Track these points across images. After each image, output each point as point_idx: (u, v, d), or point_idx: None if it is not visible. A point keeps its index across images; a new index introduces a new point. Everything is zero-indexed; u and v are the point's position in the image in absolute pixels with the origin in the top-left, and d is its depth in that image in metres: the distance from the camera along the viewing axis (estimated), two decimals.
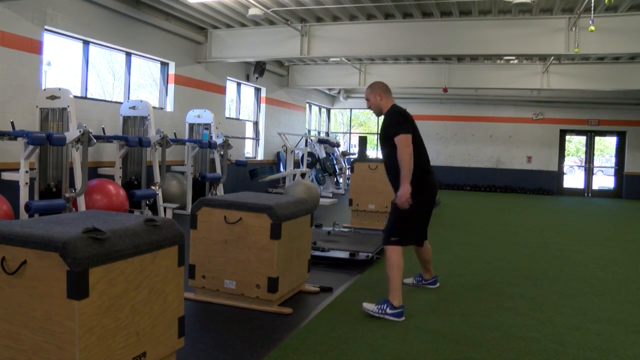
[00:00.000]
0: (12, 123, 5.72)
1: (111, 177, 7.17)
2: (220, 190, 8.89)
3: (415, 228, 4.01)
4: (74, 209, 5.84)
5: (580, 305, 4.15)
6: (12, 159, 6.13)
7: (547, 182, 16.27)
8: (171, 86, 9.77)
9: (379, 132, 4.03)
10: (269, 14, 8.65)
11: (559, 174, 16.49)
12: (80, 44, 7.84)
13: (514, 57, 11.63)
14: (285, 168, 12.09)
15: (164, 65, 9.72)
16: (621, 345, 3.26)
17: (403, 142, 3.70)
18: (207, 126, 9.32)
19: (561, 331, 3.48)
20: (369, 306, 3.66)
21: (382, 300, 3.64)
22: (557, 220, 10.16)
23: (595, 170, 16.66)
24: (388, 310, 3.58)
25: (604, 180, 16.83)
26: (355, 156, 16.26)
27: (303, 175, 11.56)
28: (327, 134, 18.39)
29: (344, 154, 14.97)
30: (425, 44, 8.94)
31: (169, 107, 9.74)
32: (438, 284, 4.48)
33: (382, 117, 4.10)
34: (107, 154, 7.75)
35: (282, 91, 14.22)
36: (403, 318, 3.58)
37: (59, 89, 6.20)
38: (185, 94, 10.01)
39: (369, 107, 4.12)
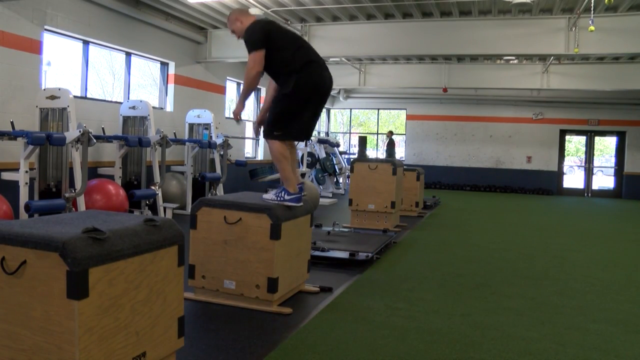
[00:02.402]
0: (12, 123, 5.72)
1: (111, 177, 7.17)
2: (220, 190, 8.89)
3: (300, 122, 3.84)
4: (73, 209, 5.84)
5: (580, 305, 4.15)
6: (12, 159, 6.13)
7: (547, 182, 16.27)
8: (171, 86, 9.77)
9: None
10: (269, 14, 8.65)
11: (559, 174, 16.49)
12: (80, 44, 7.84)
13: (513, 57, 11.64)
14: None
15: (164, 65, 9.72)
16: (621, 345, 3.26)
17: (250, 60, 3.67)
18: (207, 126, 9.32)
19: (561, 331, 3.48)
20: (268, 195, 3.82)
21: (280, 188, 3.81)
22: (557, 220, 10.16)
23: (595, 170, 16.67)
24: (286, 197, 3.75)
25: (604, 180, 16.84)
26: (350, 155, 16.29)
27: (303, 175, 11.56)
28: (327, 134, 18.39)
29: (340, 153, 14.89)
30: (425, 44, 8.94)
31: (169, 107, 9.74)
32: (302, 203, 3.95)
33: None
34: (107, 154, 7.75)
35: None
36: (301, 204, 3.82)
37: (59, 89, 6.20)
38: (185, 94, 10.01)
39: (238, 37, 4.03)
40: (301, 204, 3.83)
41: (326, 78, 3.93)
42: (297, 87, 3.69)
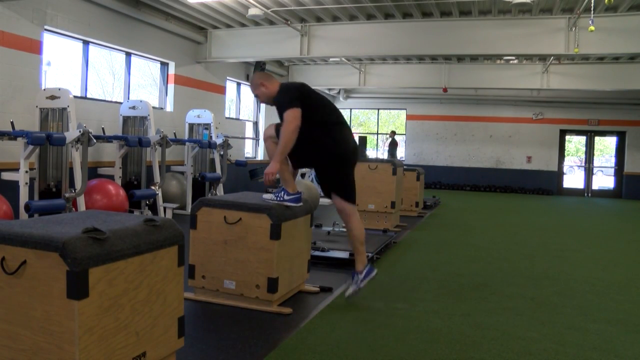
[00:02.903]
0: (12, 123, 5.72)
1: (111, 177, 7.18)
2: (220, 190, 8.89)
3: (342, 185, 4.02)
4: (73, 209, 5.84)
5: (580, 305, 4.15)
6: (12, 159, 6.13)
7: (547, 182, 16.27)
8: (171, 86, 9.77)
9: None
10: (268, 14, 8.65)
11: (559, 174, 16.49)
12: (80, 44, 7.84)
13: (513, 57, 11.64)
14: None
15: (164, 65, 9.72)
16: (621, 345, 3.26)
17: (287, 116, 3.66)
18: (207, 126, 9.32)
19: (561, 331, 3.48)
20: (268, 195, 3.89)
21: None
22: (557, 220, 10.16)
23: (595, 170, 16.67)
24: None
25: (604, 180, 16.84)
26: None
27: (303, 175, 11.55)
28: None
29: None
30: (425, 44, 8.94)
31: (169, 107, 9.74)
32: (301, 203, 3.97)
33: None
34: (107, 154, 7.75)
35: None
36: (301, 204, 3.89)
37: (59, 89, 6.20)
38: (185, 94, 10.01)
39: (262, 102, 4.14)
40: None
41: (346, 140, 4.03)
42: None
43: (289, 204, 3.81)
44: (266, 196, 3.87)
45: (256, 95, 4.01)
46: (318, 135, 3.82)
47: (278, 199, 3.80)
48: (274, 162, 3.69)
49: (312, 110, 3.78)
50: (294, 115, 3.65)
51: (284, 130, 3.64)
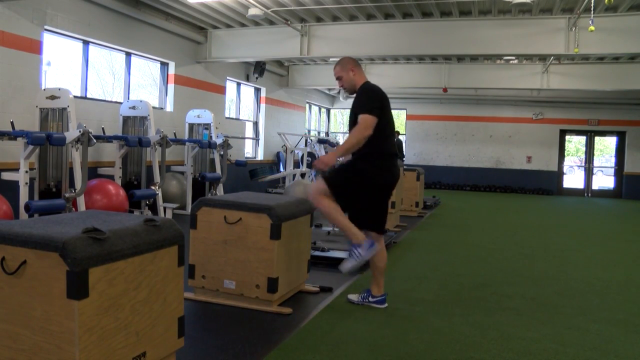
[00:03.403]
0: (12, 123, 5.72)
1: (111, 177, 7.17)
2: (220, 190, 8.89)
3: (365, 213, 3.72)
4: (73, 209, 5.84)
5: (580, 305, 4.15)
6: (12, 159, 6.13)
7: (547, 182, 16.27)
8: (171, 86, 9.77)
9: (351, 109, 3.82)
10: (268, 14, 8.65)
11: (559, 174, 16.50)
12: (80, 44, 7.84)
13: (513, 57, 11.63)
14: (285, 168, 12.09)
15: (164, 65, 9.72)
16: (621, 345, 3.26)
17: (364, 122, 3.52)
18: (207, 126, 9.32)
19: (561, 331, 3.48)
20: (353, 296, 3.87)
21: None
22: (557, 220, 10.16)
23: (595, 170, 16.67)
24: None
25: (604, 180, 16.85)
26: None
27: (303, 175, 11.56)
28: (327, 134, 18.39)
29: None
30: (425, 44, 8.94)
31: (169, 107, 9.74)
32: (386, 305, 3.82)
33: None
34: (107, 154, 7.74)
35: (282, 91, 14.22)
36: (386, 305, 3.76)
37: (59, 89, 6.20)
38: (185, 94, 10.01)
39: (342, 86, 3.91)
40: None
41: (392, 174, 3.82)
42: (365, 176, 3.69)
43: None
44: (351, 297, 3.91)
45: (339, 78, 3.85)
46: (370, 160, 3.64)
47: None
48: (334, 155, 3.57)
49: (380, 129, 3.59)
50: (370, 124, 3.52)
51: (356, 133, 3.51)
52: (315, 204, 3.71)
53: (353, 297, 3.90)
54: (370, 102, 3.62)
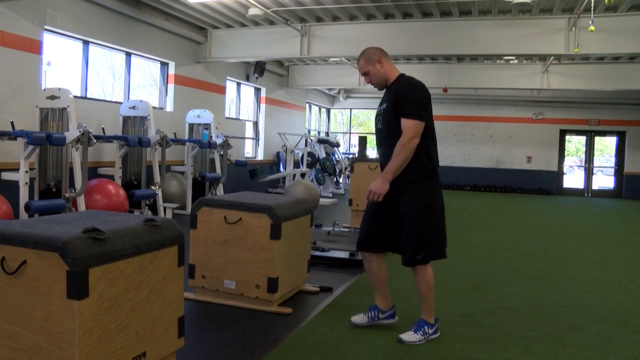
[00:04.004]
0: (12, 123, 5.72)
1: (111, 177, 7.17)
2: (220, 190, 8.89)
3: (444, 235, 3.22)
4: (73, 209, 5.84)
5: (580, 305, 4.15)
6: (12, 159, 6.13)
7: (547, 182, 16.27)
8: (171, 86, 9.77)
9: (384, 103, 3.23)
10: (268, 14, 8.65)
11: (559, 174, 16.49)
12: (80, 44, 7.84)
13: (513, 57, 11.63)
14: (285, 168, 12.09)
15: (164, 65, 9.72)
16: (621, 345, 3.26)
17: (412, 129, 3.00)
18: (207, 126, 9.32)
19: (561, 331, 3.48)
20: (409, 337, 3.13)
21: (418, 325, 3.19)
22: (557, 220, 10.16)
23: (595, 170, 16.67)
24: (429, 331, 3.17)
25: (604, 180, 16.84)
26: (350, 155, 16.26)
27: (303, 175, 11.56)
28: (327, 134, 18.39)
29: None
30: (425, 44, 8.94)
31: (169, 107, 9.74)
32: (396, 319, 3.48)
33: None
34: (107, 154, 7.74)
35: (282, 91, 14.22)
36: (438, 334, 3.24)
37: (59, 89, 6.20)
38: (185, 94, 10.01)
39: (369, 82, 3.33)
40: (437, 334, 3.24)
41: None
42: (438, 194, 3.17)
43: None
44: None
45: (365, 73, 3.29)
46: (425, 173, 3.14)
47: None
48: (384, 180, 3.06)
49: (428, 134, 3.13)
50: (418, 130, 3.03)
51: (404, 146, 3.00)
52: (422, 276, 3.17)
53: (357, 318, 3.41)
54: (419, 102, 3.09)
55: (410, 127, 3.01)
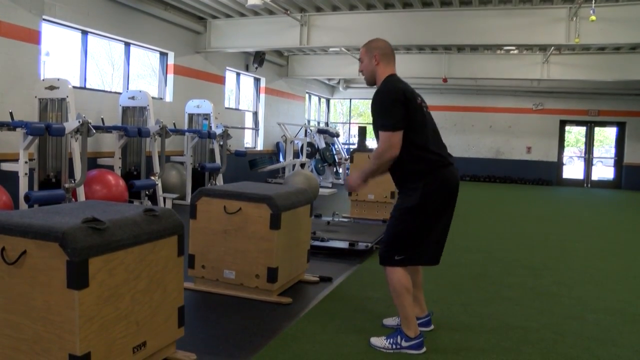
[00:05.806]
0: (11, 113, 5.70)
1: (110, 168, 7.17)
2: (219, 181, 8.89)
3: (424, 242, 2.91)
4: (73, 199, 5.84)
5: (579, 295, 4.17)
6: (12, 150, 6.12)
7: (547, 173, 16.27)
8: (170, 76, 9.74)
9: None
10: (268, 3, 8.60)
11: (559, 165, 16.49)
12: (78, 34, 7.80)
13: (514, 47, 11.59)
14: (284, 158, 12.08)
15: (163, 55, 9.68)
16: (619, 334, 3.28)
17: (384, 142, 2.82)
18: (206, 116, 9.30)
19: (560, 321, 3.49)
20: (378, 341, 2.94)
21: (394, 332, 2.96)
22: (557, 210, 10.17)
23: (594, 160, 16.66)
24: (404, 343, 2.87)
25: (604, 171, 16.84)
26: (350, 145, 16.25)
27: (302, 165, 11.56)
28: (327, 124, 18.36)
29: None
30: (425, 34, 8.90)
31: (168, 98, 9.72)
32: (432, 326, 3.24)
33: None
34: (107, 145, 7.73)
35: (282, 81, 14.18)
36: (424, 349, 2.89)
37: (58, 80, 6.18)
38: (184, 84, 9.98)
39: (360, 70, 3.21)
40: (424, 349, 2.89)
41: (456, 177, 3.01)
42: (426, 198, 2.84)
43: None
44: (376, 342, 2.95)
45: (360, 60, 3.20)
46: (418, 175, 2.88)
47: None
48: (359, 178, 3.01)
49: (415, 134, 2.87)
50: (393, 142, 2.80)
51: (377, 157, 2.86)
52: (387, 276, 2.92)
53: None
54: (387, 111, 2.85)
55: (382, 139, 2.83)
